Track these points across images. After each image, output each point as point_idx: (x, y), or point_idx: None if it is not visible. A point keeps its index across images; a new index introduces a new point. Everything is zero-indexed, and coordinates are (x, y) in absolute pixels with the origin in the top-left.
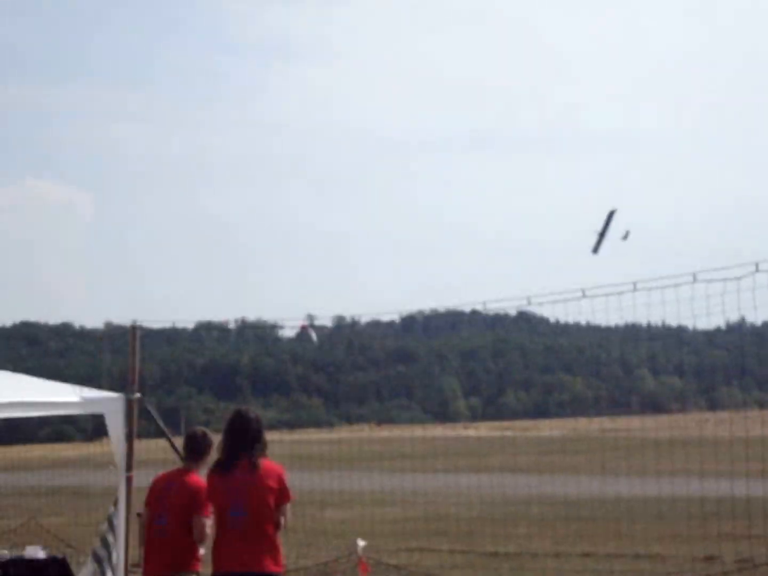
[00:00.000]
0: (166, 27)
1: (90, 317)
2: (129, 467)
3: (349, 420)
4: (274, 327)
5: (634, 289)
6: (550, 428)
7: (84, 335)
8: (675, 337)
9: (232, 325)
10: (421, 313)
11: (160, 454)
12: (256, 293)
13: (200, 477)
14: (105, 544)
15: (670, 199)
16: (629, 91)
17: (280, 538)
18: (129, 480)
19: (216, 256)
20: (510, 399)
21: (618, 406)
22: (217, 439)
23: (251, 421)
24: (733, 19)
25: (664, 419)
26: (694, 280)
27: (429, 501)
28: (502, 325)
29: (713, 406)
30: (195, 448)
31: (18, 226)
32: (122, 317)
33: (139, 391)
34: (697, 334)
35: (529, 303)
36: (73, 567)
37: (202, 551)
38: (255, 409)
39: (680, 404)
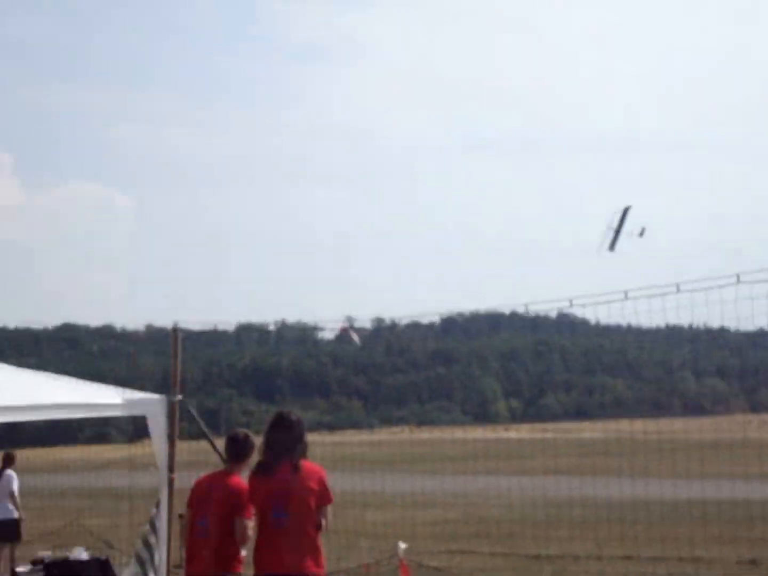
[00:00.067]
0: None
1: (131, 319)
2: (171, 469)
3: (389, 422)
4: (314, 329)
5: (678, 291)
6: (591, 430)
7: (125, 337)
8: (717, 338)
9: (272, 327)
10: (461, 314)
11: (202, 455)
12: (296, 295)
13: (242, 479)
14: (147, 545)
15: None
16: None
17: (322, 540)
18: (171, 481)
19: (257, 258)
20: (550, 401)
21: (659, 408)
22: (258, 440)
23: (293, 423)
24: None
25: (707, 421)
26: (738, 281)
27: (469, 503)
28: (542, 327)
29: (755, 407)
30: (237, 450)
31: (60, 228)
32: (163, 319)
33: (180, 393)
34: (738, 335)
35: (572, 305)
36: (116, 568)
37: (243, 553)
38: (295, 411)
39: (722, 406)
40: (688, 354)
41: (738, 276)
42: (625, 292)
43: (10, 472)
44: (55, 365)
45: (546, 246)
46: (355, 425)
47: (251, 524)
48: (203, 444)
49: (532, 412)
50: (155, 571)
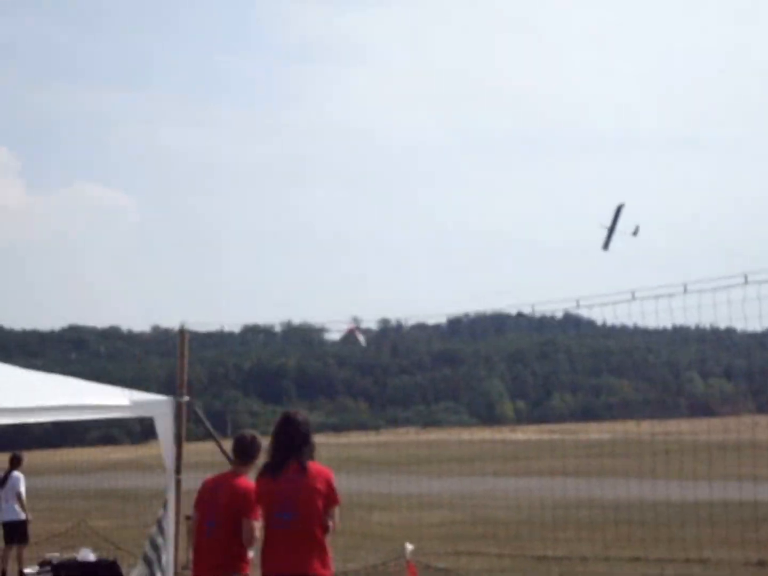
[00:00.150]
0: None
1: (137, 321)
2: (178, 470)
3: (395, 423)
4: (320, 330)
5: (685, 291)
6: (597, 431)
7: (131, 338)
8: (724, 339)
9: (278, 328)
10: (467, 315)
11: (209, 457)
12: (302, 296)
13: (249, 480)
14: (154, 546)
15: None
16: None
17: (329, 541)
18: (178, 483)
19: (261, 259)
20: (557, 402)
21: (666, 408)
22: (264, 442)
23: (300, 425)
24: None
25: (714, 422)
26: (746, 281)
27: (476, 504)
28: (548, 328)
29: (763, 408)
30: (244, 452)
31: (66, 230)
32: (168, 321)
33: (187, 394)
34: (745, 336)
35: (578, 305)
36: (124, 569)
37: (250, 554)
38: (302, 412)
39: (729, 407)
40: (695, 355)
41: (746, 276)
42: (632, 293)
43: (17, 473)
44: (62, 367)
45: (546, 246)
46: (361, 426)
47: (258, 525)
48: (210, 445)
49: (538, 413)
50: (163, 572)
